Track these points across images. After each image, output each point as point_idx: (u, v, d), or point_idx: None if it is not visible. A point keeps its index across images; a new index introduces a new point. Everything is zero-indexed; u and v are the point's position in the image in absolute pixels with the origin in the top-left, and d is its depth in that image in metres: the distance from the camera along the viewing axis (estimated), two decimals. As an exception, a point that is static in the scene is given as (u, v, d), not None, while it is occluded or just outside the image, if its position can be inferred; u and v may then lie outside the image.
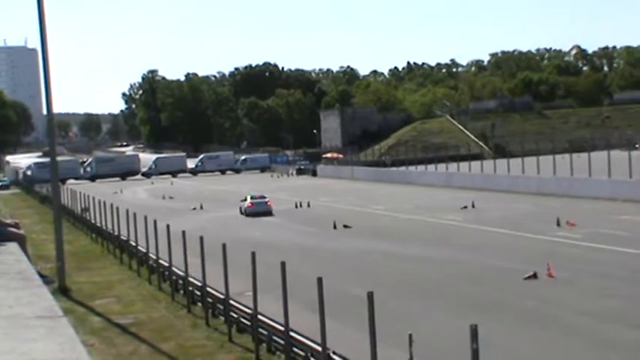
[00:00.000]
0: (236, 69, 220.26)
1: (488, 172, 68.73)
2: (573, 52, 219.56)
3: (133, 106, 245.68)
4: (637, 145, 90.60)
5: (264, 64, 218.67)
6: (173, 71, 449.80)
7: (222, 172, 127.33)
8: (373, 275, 28.56)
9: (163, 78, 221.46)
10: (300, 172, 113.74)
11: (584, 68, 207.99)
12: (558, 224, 39.30)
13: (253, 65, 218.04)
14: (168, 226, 27.93)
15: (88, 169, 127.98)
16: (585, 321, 20.71)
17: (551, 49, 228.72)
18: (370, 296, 13.95)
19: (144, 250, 33.04)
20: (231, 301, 22.02)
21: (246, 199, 58.08)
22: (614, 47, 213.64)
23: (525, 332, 20.11)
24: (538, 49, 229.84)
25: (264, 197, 58.43)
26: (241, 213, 57.03)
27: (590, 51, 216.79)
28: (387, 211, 53.32)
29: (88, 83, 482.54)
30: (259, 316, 19.91)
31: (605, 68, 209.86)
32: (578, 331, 19.78)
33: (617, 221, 40.01)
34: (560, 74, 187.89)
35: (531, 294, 24.21)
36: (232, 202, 67.78)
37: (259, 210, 55.94)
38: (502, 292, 24.77)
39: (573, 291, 24.34)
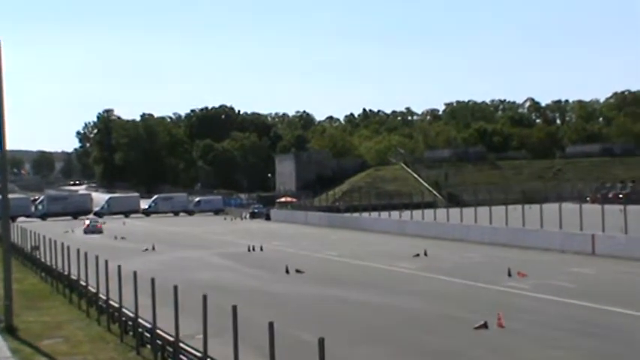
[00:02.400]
0: (192, 111, 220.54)
1: (441, 221, 69.13)
2: (527, 104, 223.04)
3: (87, 145, 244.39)
4: (587, 198, 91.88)
5: (220, 106, 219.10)
6: (129, 111, 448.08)
7: (176, 213, 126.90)
8: (324, 321, 28.51)
9: (119, 118, 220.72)
10: (253, 215, 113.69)
11: (538, 121, 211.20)
12: (509, 275, 39.58)
13: (209, 107, 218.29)
14: (119, 267, 27.70)
15: (40, 207, 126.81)
16: (534, 371, 20.84)
17: (505, 100, 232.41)
18: (321, 342, 13.94)
19: (94, 291, 32.71)
20: (181, 344, 21.85)
21: (84, 223, 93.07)
22: (567, 101, 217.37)
23: (474, 381, 20.18)
24: (492, 100, 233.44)
25: (97, 221, 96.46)
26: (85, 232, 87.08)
27: (543, 104, 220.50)
28: (339, 256, 53.37)
29: (41, 121, 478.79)
30: (209, 360, 19.77)
31: (558, 121, 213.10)
32: (526, 382, 19.89)
33: (567, 273, 40.40)
34: (514, 126, 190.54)
35: (481, 343, 24.31)
36: (185, 243, 67.64)
37: (93, 230, 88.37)
38: (452, 341, 24.85)
39: (522, 341, 24.48)
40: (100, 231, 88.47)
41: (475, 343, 24.44)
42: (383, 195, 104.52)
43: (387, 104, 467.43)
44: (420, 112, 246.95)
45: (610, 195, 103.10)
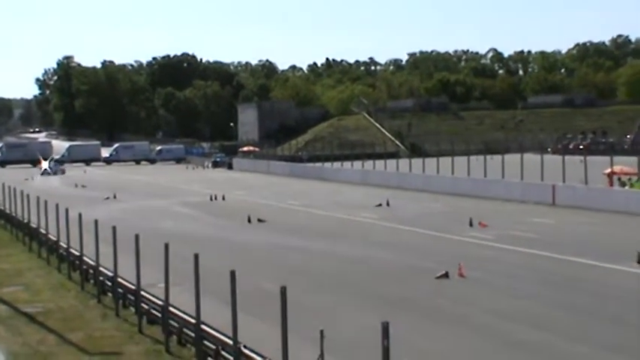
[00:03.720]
0: (154, 58, 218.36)
1: (403, 171, 69.33)
2: (490, 55, 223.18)
3: (47, 92, 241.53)
4: (549, 149, 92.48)
5: (183, 54, 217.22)
6: (89, 58, 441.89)
7: (137, 162, 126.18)
8: (286, 270, 28.53)
9: (79, 65, 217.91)
10: (215, 164, 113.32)
11: (500, 71, 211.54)
12: (471, 225, 39.78)
13: (171, 55, 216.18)
14: (80, 215, 27.48)
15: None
16: (494, 321, 20.97)
17: (468, 51, 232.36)
18: (283, 291, 13.90)
19: (54, 239, 32.46)
20: (143, 292, 21.77)
21: (42, 165, 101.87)
22: (529, 52, 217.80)
23: (435, 330, 20.30)
24: (455, 51, 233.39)
25: (55, 165, 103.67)
26: (41, 174, 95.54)
27: (506, 54, 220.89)
28: (302, 206, 53.39)
29: (0, 67, 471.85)
30: (170, 308, 19.72)
31: (520, 72, 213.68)
32: (486, 331, 20.03)
33: (527, 223, 40.70)
34: (477, 76, 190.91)
35: (442, 293, 24.45)
36: (146, 192, 67.38)
37: (52, 171, 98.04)
38: (414, 291, 24.96)
39: (483, 291, 24.65)
40: (63, 172, 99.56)
41: (436, 292, 24.57)
42: (345, 145, 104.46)
43: (351, 54, 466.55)
44: (383, 61, 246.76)
45: (571, 146, 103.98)
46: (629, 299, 23.07)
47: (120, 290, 23.54)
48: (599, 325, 20.32)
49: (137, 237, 21.09)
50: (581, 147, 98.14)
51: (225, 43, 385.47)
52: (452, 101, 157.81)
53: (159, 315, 20.64)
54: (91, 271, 26.95)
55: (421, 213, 47.34)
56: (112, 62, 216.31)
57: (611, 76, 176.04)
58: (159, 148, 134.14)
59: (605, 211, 44.40)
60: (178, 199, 60.84)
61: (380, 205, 51.50)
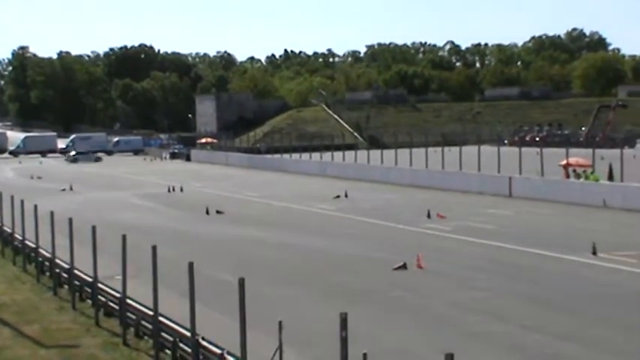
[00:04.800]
0: (111, 49, 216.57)
1: (361, 163, 69.45)
2: (447, 47, 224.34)
3: (2, 82, 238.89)
4: (505, 141, 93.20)
5: (140, 45, 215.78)
6: (45, 49, 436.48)
7: (94, 153, 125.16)
8: (245, 261, 28.47)
9: (34, 55, 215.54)
10: (173, 156, 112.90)
11: (458, 64, 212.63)
12: (429, 216, 39.95)
13: (129, 46, 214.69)
14: (35, 206, 27.21)
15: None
16: (453, 312, 21.05)
17: (426, 43, 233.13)
18: (241, 282, 13.85)
19: (9, 231, 32.11)
20: (100, 285, 21.60)
21: (68, 151, 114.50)
22: (486, 44, 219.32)
23: (393, 321, 20.32)
24: (413, 43, 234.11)
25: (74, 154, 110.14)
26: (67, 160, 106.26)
27: (463, 47, 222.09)
28: (260, 198, 53.30)
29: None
30: (128, 300, 19.58)
31: (477, 65, 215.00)
32: (444, 322, 20.09)
33: (485, 214, 40.93)
34: (434, 68, 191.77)
35: (401, 284, 24.51)
36: (103, 184, 66.94)
37: (72, 159, 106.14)
38: (372, 282, 25.00)
39: (441, 282, 24.75)
40: (97, 159, 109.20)
41: (394, 283, 24.62)
42: (304, 136, 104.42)
43: (309, 45, 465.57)
44: (341, 53, 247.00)
45: (527, 138, 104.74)
46: (584, 290, 23.30)
47: (76, 283, 23.35)
48: (555, 315, 20.47)
49: (94, 229, 20.92)
50: (537, 139, 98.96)
51: (183, 34, 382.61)
52: (410, 93, 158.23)
53: (116, 307, 20.51)
54: (47, 263, 26.69)
55: (379, 204, 47.44)
56: (68, 53, 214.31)
57: (566, 69, 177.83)
58: (116, 139, 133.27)
59: (561, 202, 44.80)
60: (136, 190, 60.48)
61: (338, 196, 51.55)
